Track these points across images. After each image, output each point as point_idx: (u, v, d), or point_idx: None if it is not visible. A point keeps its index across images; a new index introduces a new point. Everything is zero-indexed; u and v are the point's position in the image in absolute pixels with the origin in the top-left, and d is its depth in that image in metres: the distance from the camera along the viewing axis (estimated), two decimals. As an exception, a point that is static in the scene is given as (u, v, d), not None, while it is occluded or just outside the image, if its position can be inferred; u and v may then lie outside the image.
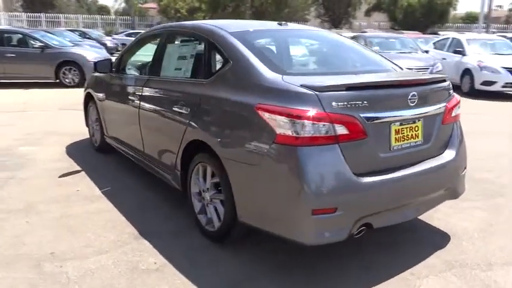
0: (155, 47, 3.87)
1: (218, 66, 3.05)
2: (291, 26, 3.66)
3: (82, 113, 5.57)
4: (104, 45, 22.47)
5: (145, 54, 4.30)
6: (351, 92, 2.40)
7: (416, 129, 2.68)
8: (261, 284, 2.56)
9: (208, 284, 2.56)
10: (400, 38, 13.40)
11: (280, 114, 2.35)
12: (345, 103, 2.36)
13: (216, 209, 2.97)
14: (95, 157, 5.03)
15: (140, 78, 4.01)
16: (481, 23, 24.11)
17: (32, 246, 2.97)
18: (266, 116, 2.41)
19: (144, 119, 3.74)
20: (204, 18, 37.72)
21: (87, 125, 5.51)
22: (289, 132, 2.31)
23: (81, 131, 5.95)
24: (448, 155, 2.91)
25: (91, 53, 11.90)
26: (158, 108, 3.53)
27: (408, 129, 2.64)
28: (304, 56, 3.26)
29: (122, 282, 2.55)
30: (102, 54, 12.48)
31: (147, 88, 3.73)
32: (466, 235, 3.20)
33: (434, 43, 13.87)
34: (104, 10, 59.04)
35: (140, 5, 53.96)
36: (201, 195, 3.13)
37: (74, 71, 11.21)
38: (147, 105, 3.69)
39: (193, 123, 2.99)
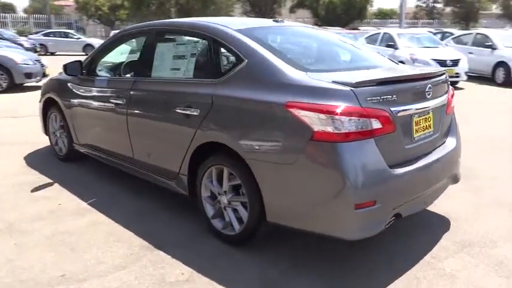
0: (140, 46, 3.65)
1: (229, 65, 2.96)
2: (287, 23, 3.65)
3: (23, 120, 5.11)
4: (21, 45, 20.68)
5: (122, 54, 4.06)
6: (382, 86, 2.46)
7: (429, 120, 2.82)
8: (294, 280, 2.54)
9: (244, 283, 2.50)
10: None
11: (317, 111, 2.34)
12: (378, 98, 2.41)
13: (235, 212, 2.89)
14: (63, 167, 4.64)
15: (124, 80, 3.77)
16: (403, 19, 25.76)
17: (33, 270, 2.68)
18: (300, 113, 2.38)
19: (134, 123, 3.52)
20: (127, 16, 36.31)
21: (47, 133, 5.06)
22: (328, 129, 2.31)
23: (31, 140, 5.51)
24: (451, 143, 3.10)
25: (18, 55, 10.91)
26: (154, 111, 3.35)
27: (424, 120, 2.76)
28: (312, 52, 3.26)
29: (156, 298, 2.40)
30: (29, 56, 11.50)
31: (135, 91, 3.51)
32: (462, 217, 3.42)
33: (366, 38, 14.59)
34: (8, 8, 54.07)
35: (52, 2, 50.31)
36: (214, 199, 3.03)
37: (1, 74, 10.22)
38: (138, 109, 3.48)
39: (206, 125, 2.87)
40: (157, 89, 3.36)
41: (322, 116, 2.32)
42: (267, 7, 36.66)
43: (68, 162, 4.74)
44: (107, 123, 3.90)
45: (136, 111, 3.50)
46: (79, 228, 3.24)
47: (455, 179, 3.18)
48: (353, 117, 2.31)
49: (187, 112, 2.99)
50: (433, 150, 2.90)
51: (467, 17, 41.15)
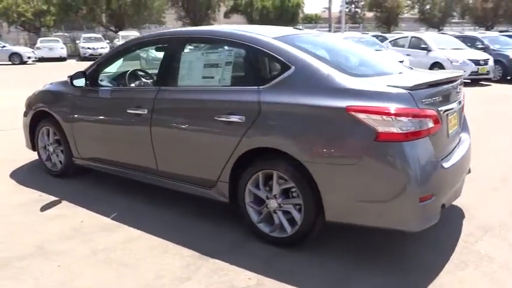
0: (160, 55, 3.61)
1: (273, 71, 3.05)
2: (307, 30, 3.80)
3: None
4: None
5: (131, 64, 3.97)
6: (430, 88, 2.69)
7: (456, 117, 3.11)
8: (363, 277, 2.69)
9: (317, 283, 2.60)
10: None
11: (380, 113, 2.51)
12: (429, 99, 2.64)
13: (285, 214, 2.97)
14: (61, 183, 4.39)
15: (145, 90, 3.69)
16: (343, 23, 27.00)
17: (94, 290, 2.58)
18: (362, 116, 2.54)
19: (160, 133, 3.47)
20: (54, 22, 34.37)
21: (34, 149, 4.77)
22: (392, 130, 2.49)
23: (9, 157, 5.22)
24: (466, 137, 3.43)
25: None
26: (185, 120, 3.33)
27: (453, 118, 3.05)
28: (347, 58, 3.41)
29: (238, 304, 2.43)
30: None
31: (160, 100, 3.46)
32: (471, 206, 3.76)
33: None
34: None
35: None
36: (260, 203, 3.09)
37: None
38: (164, 119, 3.44)
39: (254, 131, 2.93)
40: (188, 97, 3.34)
41: (386, 117, 2.50)
42: (201, 12, 36.63)
43: (64, 178, 4.50)
44: (123, 134, 3.79)
45: (162, 121, 3.45)
46: (117, 244, 3.14)
47: (469, 170, 3.52)
48: (413, 118, 2.51)
49: (230, 119, 3.02)
50: (458, 144, 3.20)
51: (388, 21, 44.08)
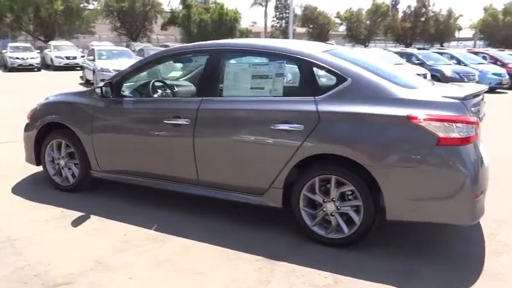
0: (199, 66, 3.68)
1: (328, 83, 3.26)
2: (338, 46, 4.06)
3: None
4: None
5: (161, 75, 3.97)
6: (473, 99, 3.07)
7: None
8: (426, 269, 2.97)
9: (386, 275, 2.83)
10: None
11: (441, 120, 2.83)
12: (474, 108, 3.02)
13: (342, 216, 3.18)
14: (78, 197, 4.21)
15: (184, 100, 3.73)
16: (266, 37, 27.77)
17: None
18: (424, 123, 2.85)
19: (205, 144, 3.53)
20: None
21: (38, 163, 4.53)
22: (452, 135, 2.82)
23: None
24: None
25: None
26: (235, 130, 3.42)
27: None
28: (388, 71, 3.61)
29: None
30: None
31: (204, 110, 3.52)
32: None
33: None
34: None
35: None
36: (314, 207, 3.26)
37: None
38: (210, 129, 3.51)
39: (313, 139, 3.12)
40: (237, 107, 3.45)
41: (447, 124, 2.82)
42: (137, 24, 35.92)
43: (76, 192, 4.32)
44: (158, 145, 3.78)
45: (207, 131, 3.52)
46: (176, 254, 3.15)
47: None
48: (467, 124, 2.86)
49: (287, 128, 3.19)
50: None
51: (319, 36, 46.32)
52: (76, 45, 27.06)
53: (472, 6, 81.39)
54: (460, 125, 2.83)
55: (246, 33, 57.92)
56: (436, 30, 50.08)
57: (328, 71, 3.25)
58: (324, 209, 3.22)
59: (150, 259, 3.07)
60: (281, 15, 58.64)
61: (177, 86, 4.54)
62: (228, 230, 3.53)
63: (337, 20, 49.37)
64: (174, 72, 4.95)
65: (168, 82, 4.51)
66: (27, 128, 4.53)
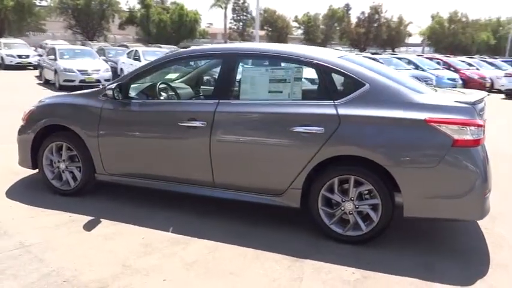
0: (213, 69, 3.72)
1: (347, 88, 3.40)
2: (348, 53, 4.20)
3: None
4: None
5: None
6: (479, 104, 3.31)
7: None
8: (444, 260, 3.18)
9: (408, 269, 3.01)
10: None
11: (456, 123, 3.06)
12: (481, 112, 3.27)
13: (359, 214, 3.34)
14: (83, 201, 4.10)
15: (200, 103, 3.75)
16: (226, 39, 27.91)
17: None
18: (441, 126, 3.06)
19: (222, 146, 3.57)
20: None
21: (35, 167, 4.37)
22: (466, 137, 3.05)
23: None
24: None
25: None
26: (254, 132, 3.49)
27: (479, 127, 3.73)
28: (399, 77, 3.76)
29: (364, 294, 2.73)
30: None
31: (221, 113, 3.57)
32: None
33: (127, 53, 17.81)
34: None
35: None
36: (332, 207, 3.40)
37: None
38: (228, 131, 3.56)
39: (334, 141, 3.25)
40: (256, 110, 3.51)
41: (462, 127, 3.05)
42: (93, 22, 34.82)
43: (77, 196, 4.22)
44: (171, 148, 3.78)
45: (224, 133, 3.56)
46: (202, 255, 3.17)
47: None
48: (478, 127, 3.10)
49: (308, 130, 3.31)
50: None
51: (279, 39, 46.97)
52: (27, 43, 25.83)
53: (421, 14, 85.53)
54: (472, 128, 3.07)
55: (203, 34, 57.72)
56: (388, 36, 52.27)
57: (346, 76, 3.40)
58: (342, 208, 3.36)
59: (178, 261, 3.08)
60: (238, 18, 58.97)
61: (180, 88, 4.53)
62: (246, 231, 3.59)
63: (295, 24, 50.23)
64: (170, 74, 4.92)
65: (172, 84, 4.49)
66: (23, 130, 4.37)
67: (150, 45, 28.09)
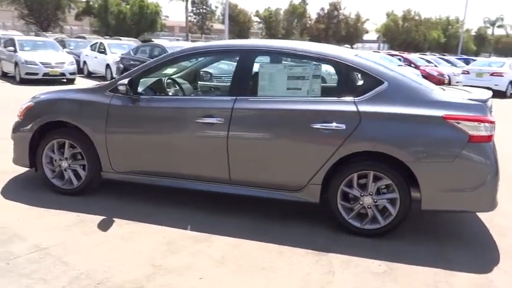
0: (228, 65, 3.70)
1: (367, 85, 3.48)
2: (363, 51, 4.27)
3: None
4: None
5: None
6: (489, 102, 3.50)
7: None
8: (457, 250, 3.36)
9: (429, 259, 3.15)
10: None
11: (472, 120, 3.22)
12: (491, 110, 3.45)
13: (377, 208, 3.45)
14: (85, 200, 3.96)
15: (216, 99, 3.72)
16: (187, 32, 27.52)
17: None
18: (457, 123, 3.22)
19: (240, 142, 3.57)
20: None
21: (33, 165, 4.17)
22: (481, 133, 3.22)
23: None
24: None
25: None
26: (276, 129, 3.52)
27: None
28: (410, 74, 3.89)
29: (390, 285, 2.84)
30: None
31: (239, 109, 3.56)
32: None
33: (90, 45, 17.31)
34: None
35: None
36: (350, 201, 3.49)
37: None
38: (248, 128, 3.56)
39: (356, 137, 3.33)
40: (275, 107, 3.53)
41: (477, 124, 3.21)
42: (48, 12, 33.21)
43: (80, 195, 4.07)
44: (186, 144, 3.72)
45: (242, 130, 3.56)
46: (229, 252, 3.17)
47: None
48: (490, 124, 3.28)
49: (329, 127, 3.37)
50: None
51: (240, 34, 46.91)
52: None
53: (377, 12, 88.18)
54: (487, 124, 3.24)
55: (161, 27, 56.57)
56: (346, 33, 53.47)
57: (365, 74, 3.49)
58: (361, 202, 3.46)
59: (206, 259, 3.06)
60: (198, 11, 58.24)
61: (184, 84, 4.47)
62: (264, 227, 3.61)
63: (256, 19, 50.30)
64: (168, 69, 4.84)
65: (171, 80, 4.41)
66: (20, 126, 4.16)
67: (107, 37, 27.28)
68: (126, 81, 3.70)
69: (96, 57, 16.63)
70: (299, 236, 3.49)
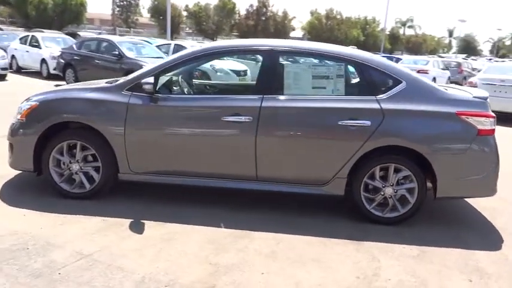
0: (253, 65, 3.78)
1: (386, 85, 3.75)
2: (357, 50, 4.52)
3: None
4: None
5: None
6: (488, 99, 3.95)
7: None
8: (469, 235, 3.75)
9: (450, 241, 3.51)
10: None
11: (481, 116, 3.63)
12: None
13: (397, 198, 3.75)
14: (101, 204, 3.81)
15: (243, 98, 3.77)
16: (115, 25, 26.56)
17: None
18: (468, 118, 3.61)
19: (269, 140, 3.67)
20: None
21: (35, 169, 3.92)
22: (486, 127, 3.64)
23: None
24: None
25: None
26: (304, 126, 3.68)
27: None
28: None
29: (430, 266, 3.14)
30: None
31: (269, 107, 3.66)
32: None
33: (20, 38, 16.38)
34: None
35: None
36: (372, 192, 3.76)
37: None
38: (277, 125, 3.69)
39: (380, 133, 3.59)
40: (303, 105, 3.68)
41: (483, 119, 3.63)
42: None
43: (96, 198, 3.90)
44: (212, 143, 3.74)
45: (271, 128, 3.67)
46: (275, 246, 3.28)
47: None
48: (492, 119, 3.71)
49: (355, 124, 3.60)
50: None
51: (171, 29, 45.85)
52: None
53: (303, 9, 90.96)
54: (491, 119, 3.67)
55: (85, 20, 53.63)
56: (274, 29, 54.51)
57: (385, 74, 3.76)
58: (383, 193, 3.74)
59: (256, 254, 3.14)
60: (121, 3, 55.98)
61: (198, 83, 4.45)
62: (294, 221, 3.74)
63: (186, 13, 49.52)
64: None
65: (185, 80, 4.37)
66: (22, 128, 3.88)
67: (27, 29, 25.36)
68: (152, 79, 3.62)
69: (28, 51, 15.42)
70: (330, 227, 3.68)
